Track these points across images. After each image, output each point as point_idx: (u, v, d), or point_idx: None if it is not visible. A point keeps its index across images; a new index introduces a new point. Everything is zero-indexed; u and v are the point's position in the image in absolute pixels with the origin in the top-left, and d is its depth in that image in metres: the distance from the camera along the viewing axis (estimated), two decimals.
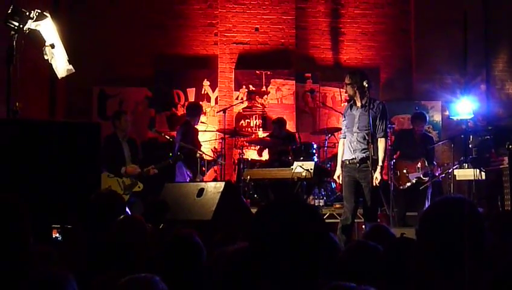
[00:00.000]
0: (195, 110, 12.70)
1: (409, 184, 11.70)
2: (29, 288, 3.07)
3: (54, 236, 5.26)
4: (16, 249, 3.51)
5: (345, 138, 9.46)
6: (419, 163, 11.66)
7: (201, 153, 12.12)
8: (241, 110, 14.20)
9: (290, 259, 2.57)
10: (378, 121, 9.22)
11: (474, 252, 2.79)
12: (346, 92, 9.70)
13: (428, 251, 2.89)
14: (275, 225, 2.64)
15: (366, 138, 9.14)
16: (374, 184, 9.02)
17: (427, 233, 2.95)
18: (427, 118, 12.54)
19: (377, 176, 9.04)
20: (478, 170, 11.16)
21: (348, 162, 9.29)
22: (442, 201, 3.02)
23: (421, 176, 11.64)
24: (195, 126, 12.60)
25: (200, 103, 13.74)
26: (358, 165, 9.17)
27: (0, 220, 3.53)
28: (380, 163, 9.12)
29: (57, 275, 3.11)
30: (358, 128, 9.28)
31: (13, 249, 3.51)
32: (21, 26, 6.90)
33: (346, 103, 13.54)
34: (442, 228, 2.86)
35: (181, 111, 13.99)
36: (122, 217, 4.92)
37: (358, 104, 9.31)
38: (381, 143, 9.18)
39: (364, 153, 9.17)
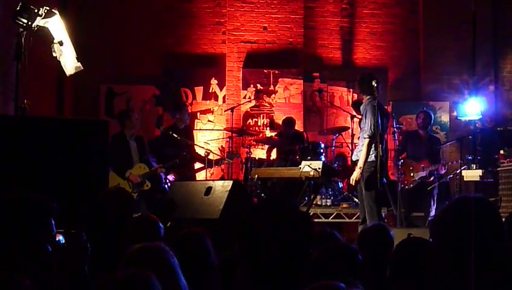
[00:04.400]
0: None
1: (413, 184, 11.69)
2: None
3: (56, 239, 5.24)
4: (41, 248, 3.51)
5: None
6: (424, 163, 11.65)
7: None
8: (249, 109, 14.18)
9: (274, 257, 2.61)
10: (364, 121, 9.32)
11: (492, 253, 2.77)
12: None
13: (444, 251, 2.86)
14: (261, 225, 2.67)
15: (362, 140, 9.31)
16: (351, 183, 9.42)
17: (442, 232, 2.92)
18: (432, 120, 12.45)
19: (352, 177, 9.18)
20: (486, 171, 11.16)
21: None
22: (459, 200, 2.98)
23: (426, 175, 11.64)
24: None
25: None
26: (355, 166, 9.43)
27: (31, 219, 3.52)
28: (360, 164, 9.16)
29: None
30: (360, 131, 9.53)
31: (38, 248, 3.50)
32: (30, 23, 6.90)
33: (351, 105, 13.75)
34: (459, 227, 2.82)
35: (189, 109, 13.97)
36: (138, 215, 4.91)
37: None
38: (363, 144, 9.22)
39: (357, 155, 9.36)
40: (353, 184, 9.37)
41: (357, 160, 9.40)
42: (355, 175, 9.20)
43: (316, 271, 3.71)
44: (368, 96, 9.44)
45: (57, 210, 3.65)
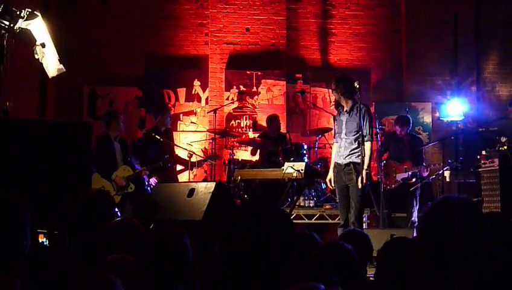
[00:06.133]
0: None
1: (396, 185, 11.72)
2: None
3: (40, 241, 5.22)
4: (12, 250, 3.49)
5: (337, 142, 9.64)
6: (406, 164, 11.68)
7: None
8: (232, 111, 14.17)
9: (255, 259, 2.62)
10: (362, 124, 9.30)
11: (474, 252, 2.79)
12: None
13: (429, 251, 2.88)
14: (242, 227, 2.69)
15: (353, 143, 9.31)
16: (358, 186, 9.29)
17: (427, 232, 2.94)
18: (411, 122, 12.40)
19: (361, 179, 9.18)
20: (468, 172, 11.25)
21: (337, 166, 9.48)
22: (444, 200, 3.00)
23: (408, 177, 11.66)
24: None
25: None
26: (344, 168, 9.36)
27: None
28: (365, 166, 9.17)
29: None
30: (345, 133, 9.54)
31: (8, 250, 3.48)
32: (11, 25, 6.88)
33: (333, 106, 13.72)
34: (443, 227, 2.84)
35: (172, 111, 13.93)
36: (118, 219, 4.89)
37: (345, 109, 9.51)
38: (366, 147, 9.25)
39: (351, 157, 9.34)
40: (361, 187, 9.30)
41: (350, 162, 9.38)
42: (364, 177, 9.20)
43: (316, 269, 3.74)
44: (350, 100, 9.45)
45: (29, 217, 3.62)
